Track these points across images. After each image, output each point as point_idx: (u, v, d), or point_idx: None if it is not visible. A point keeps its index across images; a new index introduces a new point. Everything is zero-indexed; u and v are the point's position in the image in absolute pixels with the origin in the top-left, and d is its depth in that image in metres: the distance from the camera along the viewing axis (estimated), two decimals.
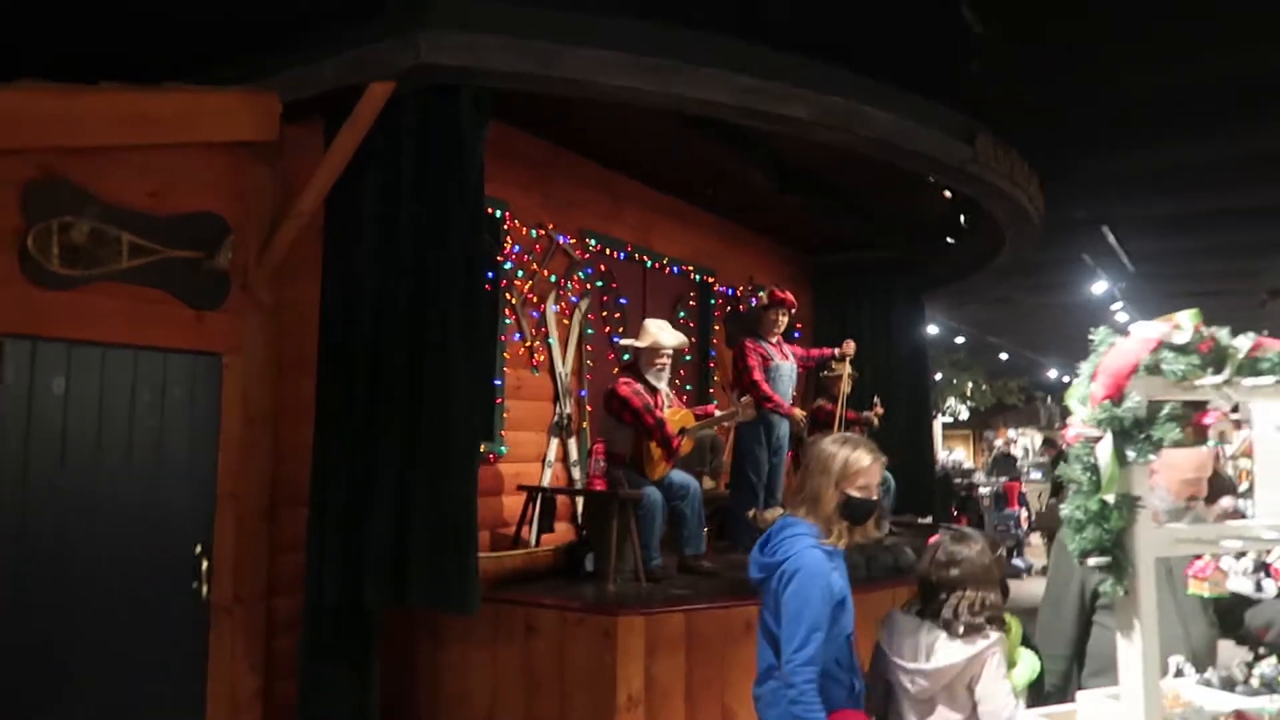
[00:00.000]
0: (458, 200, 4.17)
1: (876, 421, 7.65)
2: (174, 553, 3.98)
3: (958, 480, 15.40)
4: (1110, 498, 1.84)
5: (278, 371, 4.43)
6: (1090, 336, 1.97)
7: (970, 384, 21.17)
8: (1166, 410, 1.84)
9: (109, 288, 3.74)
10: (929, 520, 9.40)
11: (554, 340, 6.22)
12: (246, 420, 4.25)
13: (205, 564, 4.06)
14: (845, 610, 2.78)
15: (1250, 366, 1.99)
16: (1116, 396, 1.87)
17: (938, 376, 21.09)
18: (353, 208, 4.30)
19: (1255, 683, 2.08)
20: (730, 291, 8.11)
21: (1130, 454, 1.84)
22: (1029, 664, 2.76)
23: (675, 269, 7.49)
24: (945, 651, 2.67)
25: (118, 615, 3.76)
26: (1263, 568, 2.08)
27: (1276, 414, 2.31)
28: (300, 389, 4.41)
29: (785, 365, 6.94)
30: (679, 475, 5.49)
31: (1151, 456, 1.84)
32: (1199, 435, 1.87)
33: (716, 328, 7.99)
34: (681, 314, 7.65)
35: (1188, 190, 7.74)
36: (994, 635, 2.69)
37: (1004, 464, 14.84)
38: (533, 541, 5.56)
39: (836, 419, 6.91)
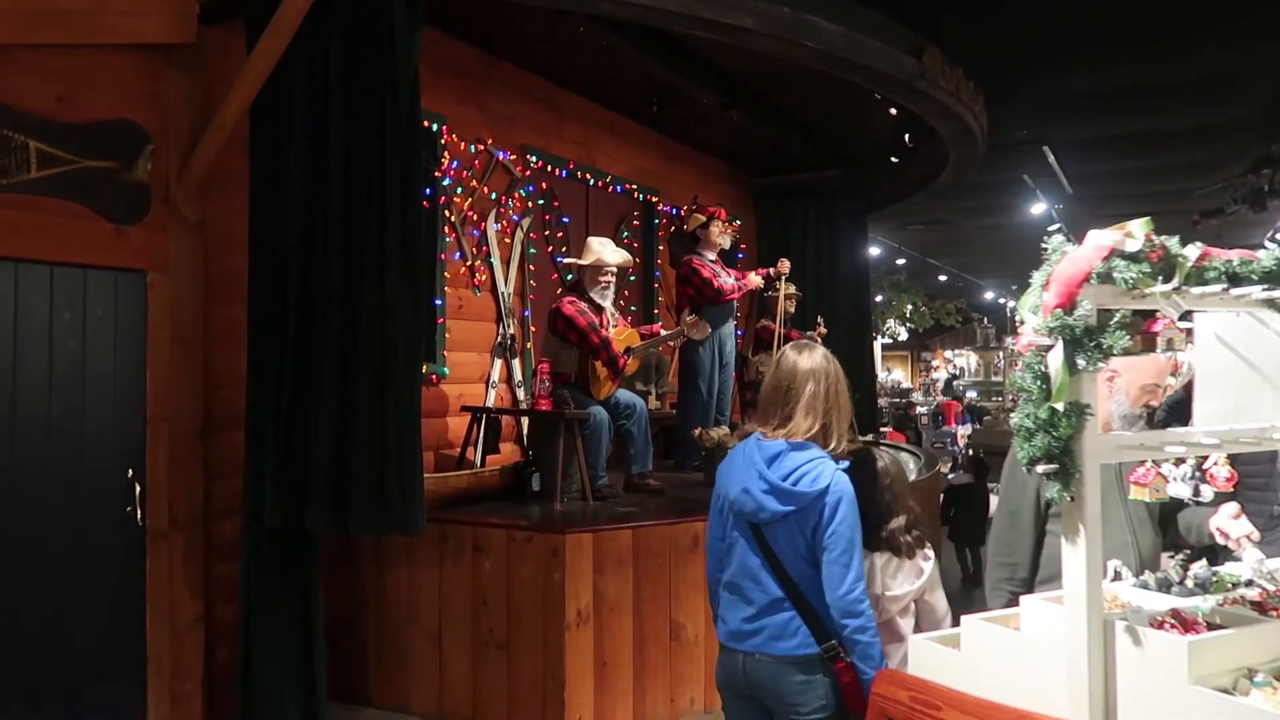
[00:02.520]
0: (391, 109, 3.96)
1: (819, 341, 7.71)
2: (105, 477, 3.84)
3: (896, 400, 15.77)
4: (1060, 405, 1.85)
5: (208, 291, 4.25)
6: (1043, 244, 1.95)
7: (910, 305, 21.50)
8: (1117, 318, 1.84)
9: (17, 199, 3.50)
10: (869, 438, 9.61)
11: (496, 259, 6.09)
12: (176, 341, 4.08)
13: (138, 489, 3.93)
14: None
15: (1198, 275, 1.99)
16: (1068, 305, 1.86)
17: (878, 298, 21.37)
18: (279, 117, 4.07)
19: (1190, 583, 2.14)
20: (674, 211, 8.00)
21: (1080, 362, 1.84)
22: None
23: (619, 188, 7.35)
24: (904, 576, 2.69)
25: (47, 541, 3.63)
26: (1200, 474, 2.12)
27: (1217, 322, 2.34)
28: (233, 311, 4.24)
29: (729, 280, 6.94)
30: (625, 394, 5.48)
31: (1101, 364, 1.84)
32: (1148, 343, 1.88)
33: (661, 248, 7.91)
34: (625, 234, 7.55)
35: (1127, 112, 7.81)
36: (931, 554, 2.74)
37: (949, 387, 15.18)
38: (478, 462, 5.52)
39: (777, 338, 6.94)
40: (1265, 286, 2.01)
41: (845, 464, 2.52)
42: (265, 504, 4.03)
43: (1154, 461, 2.06)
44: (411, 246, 4.02)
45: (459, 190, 5.77)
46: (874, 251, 14.60)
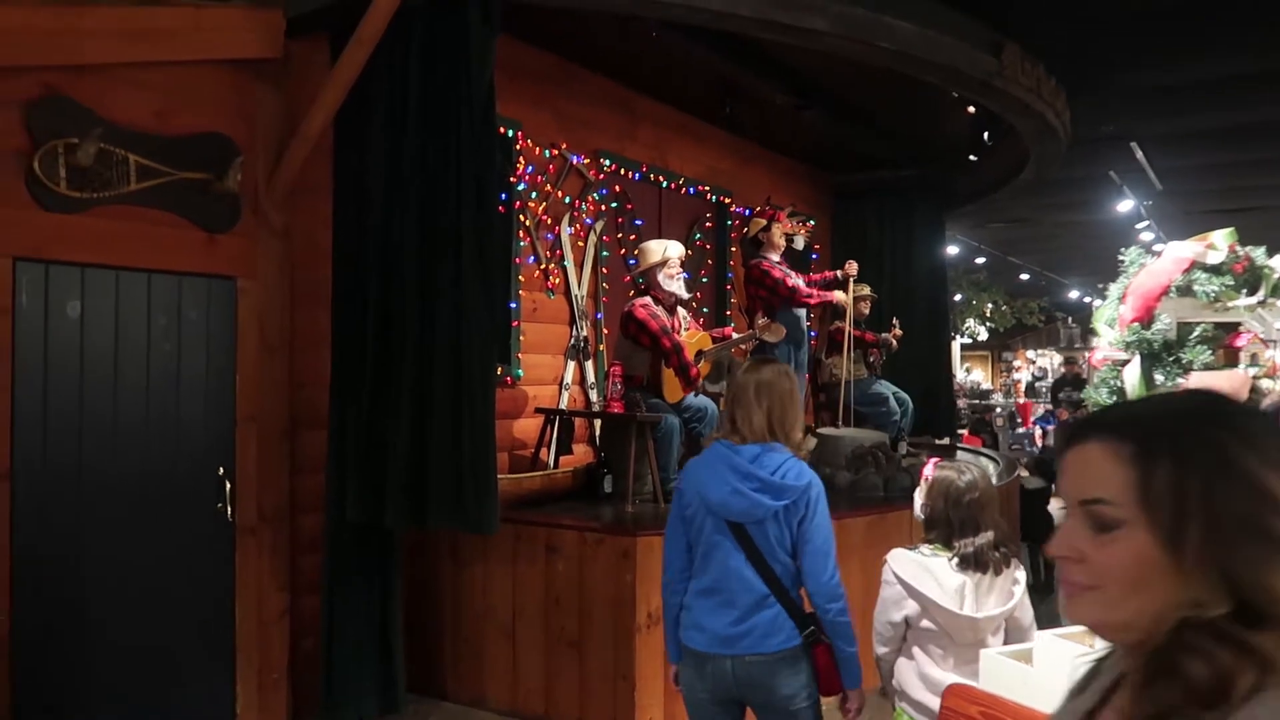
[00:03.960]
0: (468, 117, 4.07)
1: (895, 344, 7.61)
2: (197, 475, 4.03)
3: (975, 401, 15.41)
4: None
5: (293, 296, 4.41)
6: (1120, 256, 1.91)
7: (990, 304, 20.98)
8: (1197, 332, 1.79)
9: (118, 210, 3.70)
10: (946, 442, 9.43)
11: (569, 263, 6.17)
12: (263, 344, 4.25)
13: (228, 486, 4.11)
14: None
15: None
16: (1146, 319, 1.82)
17: (957, 297, 20.90)
18: (361, 128, 4.22)
19: None
20: (748, 212, 7.97)
21: (1159, 377, 1.80)
22: None
23: (691, 190, 7.36)
24: (996, 596, 2.66)
25: (144, 536, 3.83)
26: None
27: None
28: (316, 315, 4.40)
29: (801, 281, 6.91)
30: (696, 397, 5.49)
31: (1180, 380, 1.79)
32: (1230, 358, 1.82)
33: (734, 249, 7.90)
34: (698, 236, 7.56)
35: (1217, 104, 7.49)
36: (1021, 571, 2.70)
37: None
38: (551, 464, 5.60)
39: (847, 339, 6.86)
40: None
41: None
42: (347, 500, 4.17)
43: None
44: (486, 251, 4.12)
45: (533, 195, 5.86)
46: (952, 250, 14.29)
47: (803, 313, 6.66)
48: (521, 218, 5.76)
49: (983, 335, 23.31)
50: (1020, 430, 12.68)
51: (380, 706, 4.35)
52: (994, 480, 6.96)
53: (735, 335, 5.90)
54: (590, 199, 6.34)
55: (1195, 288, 1.81)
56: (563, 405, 6.04)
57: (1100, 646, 1.03)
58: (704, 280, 7.65)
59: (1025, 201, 9.84)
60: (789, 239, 6.87)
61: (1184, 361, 1.77)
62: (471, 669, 4.67)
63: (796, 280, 6.45)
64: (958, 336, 23.61)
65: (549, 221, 6.00)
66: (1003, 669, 2.23)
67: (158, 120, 3.87)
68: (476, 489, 4.04)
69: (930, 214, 9.02)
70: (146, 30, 3.74)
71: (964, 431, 12.86)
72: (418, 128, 4.13)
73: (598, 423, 5.95)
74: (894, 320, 7.72)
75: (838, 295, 6.75)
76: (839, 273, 7.02)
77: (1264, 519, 0.89)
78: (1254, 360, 1.78)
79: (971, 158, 7.81)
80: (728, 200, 7.79)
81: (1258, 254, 1.87)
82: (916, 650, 2.76)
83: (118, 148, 3.70)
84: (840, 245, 8.94)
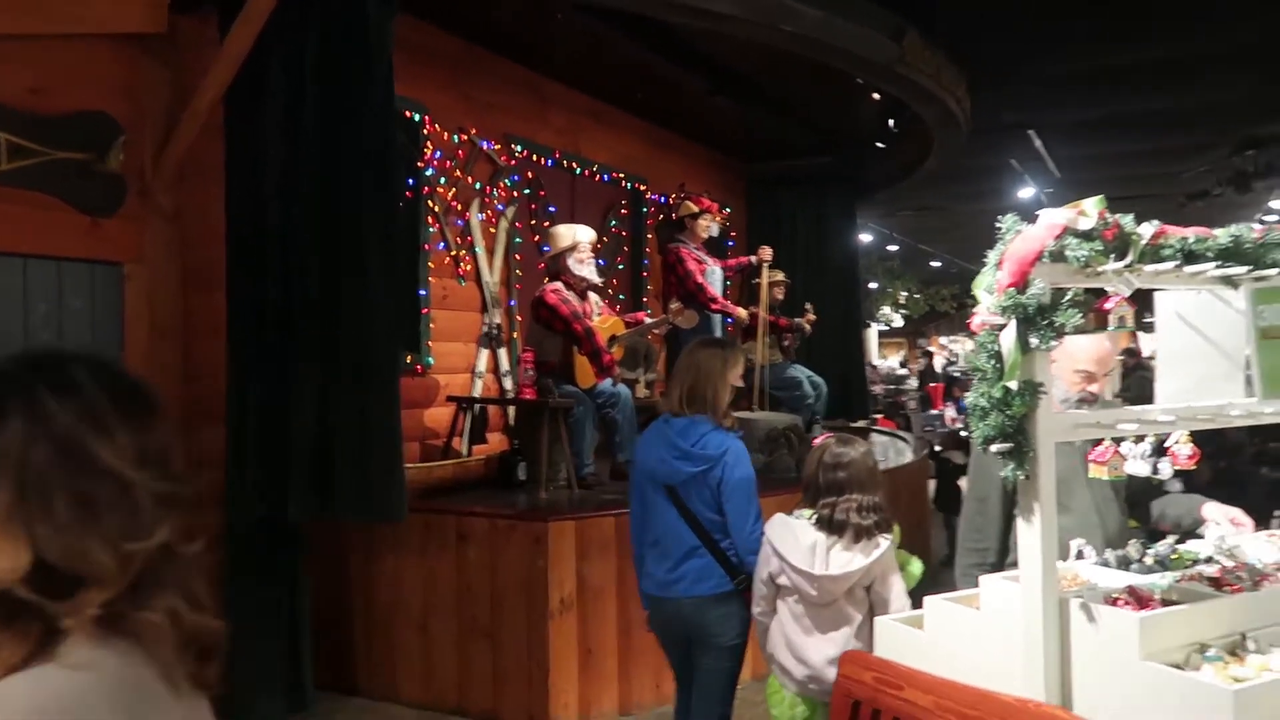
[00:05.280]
0: (365, 97, 3.97)
1: (809, 328, 7.71)
2: None
3: (890, 386, 15.77)
4: (1013, 384, 1.85)
5: (187, 281, 4.25)
6: (997, 224, 1.95)
7: (904, 292, 21.50)
8: (1069, 296, 1.84)
9: None
10: (860, 424, 9.62)
11: (480, 249, 6.08)
12: (154, 332, 4.08)
13: None
14: None
15: (1153, 253, 2.00)
16: (1021, 284, 1.86)
17: (872, 285, 21.36)
18: (253, 106, 4.07)
19: (1149, 560, 2.15)
20: (663, 200, 7.98)
21: (1033, 340, 1.84)
22: (916, 567, 2.93)
23: (605, 176, 7.33)
24: (846, 558, 2.74)
25: None
26: (1161, 452, 2.13)
27: (1178, 301, 2.35)
28: (211, 301, 4.23)
29: (717, 270, 6.96)
30: (611, 384, 5.47)
31: (1054, 342, 1.84)
32: (1100, 321, 1.88)
33: (650, 236, 7.90)
34: (613, 223, 7.53)
35: (1112, 95, 7.79)
36: (886, 540, 2.78)
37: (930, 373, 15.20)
38: (464, 452, 5.52)
39: (761, 325, 6.93)
40: (1220, 264, 2.02)
41: (738, 433, 3.15)
42: (247, 494, 4.04)
43: (1114, 440, 2.06)
44: (387, 236, 4.03)
45: (442, 180, 5.75)
46: (866, 238, 14.59)
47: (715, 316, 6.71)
48: (429, 203, 5.65)
49: (898, 322, 23.87)
50: (932, 412, 13.02)
51: (289, 705, 4.22)
52: (906, 458, 7.16)
53: (648, 320, 5.90)
54: (501, 184, 6.26)
55: (1067, 253, 1.85)
56: (476, 393, 5.96)
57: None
58: (620, 267, 7.63)
59: (933, 190, 10.10)
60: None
61: (1057, 325, 1.81)
62: (383, 663, 4.58)
63: (704, 281, 6.48)
64: (873, 324, 24.13)
65: (458, 207, 5.90)
66: (895, 634, 2.28)
67: (33, 97, 3.68)
68: (382, 478, 3.95)
69: (842, 202, 9.17)
70: (19, 1, 3.55)
71: (879, 415, 13.19)
72: (313, 109, 4.00)
73: (512, 410, 5.89)
74: (807, 305, 7.82)
75: (740, 312, 6.80)
76: (752, 258, 7.09)
77: (75, 477, 0.86)
78: (1122, 321, 1.85)
79: (879, 145, 7.97)
80: (642, 187, 7.78)
81: (1126, 220, 1.92)
82: (782, 611, 2.84)
83: None
84: (754, 232, 9.02)
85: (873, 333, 25.14)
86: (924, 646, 2.19)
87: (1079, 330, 1.85)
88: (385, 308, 3.96)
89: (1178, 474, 2.35)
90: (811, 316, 7.77)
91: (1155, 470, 2.13)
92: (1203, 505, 2.66)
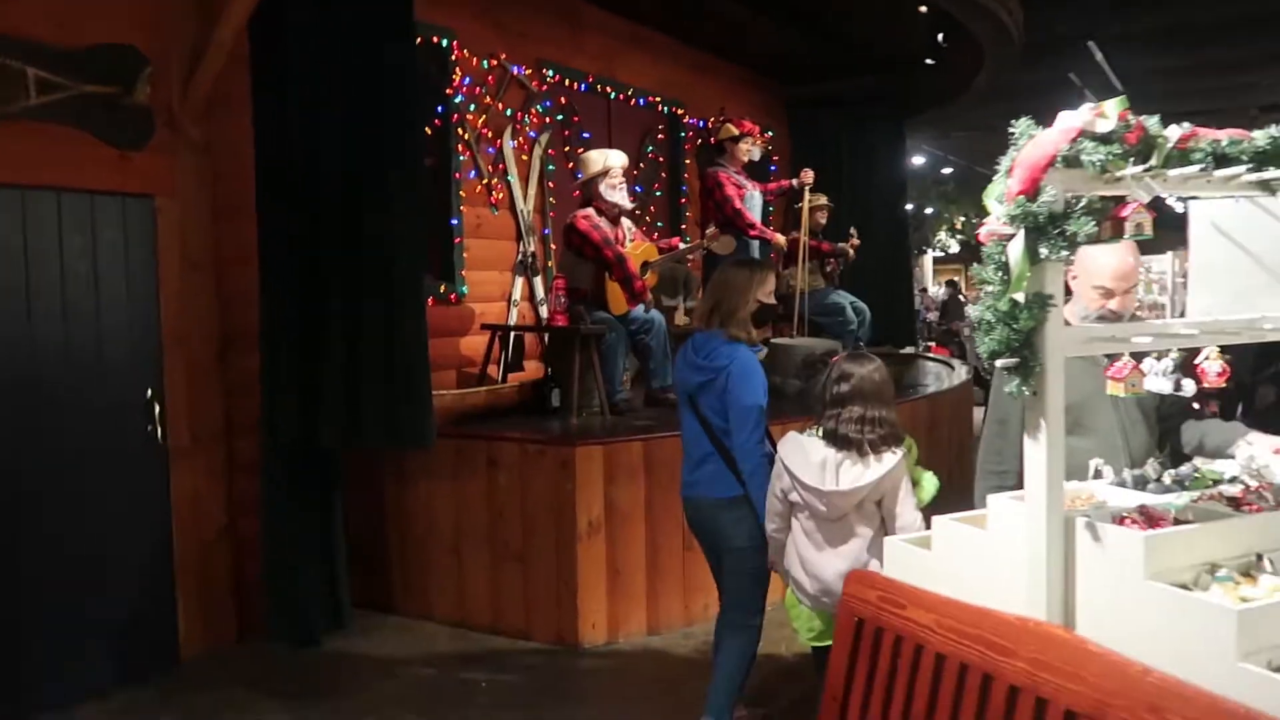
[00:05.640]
0: (389, 22, 3.92)
1: (852, 253, 7.54)
2: (125, 399, 3.95)
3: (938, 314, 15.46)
4: (1020, 296, 1.77)
5: (218, 212, 4.29)
6: (1010, 128, 1.85)
7: (960, 217, 20.91)
8: (1083, 203, 1.74)
9: (18, 127, 3.53)
10: (910, 350, 9.47)
11: (513, 177, 6.03)
12: (186, 263, 4.14)
13: (157, 408, 4.05)
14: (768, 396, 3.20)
15: (1181, 158, 1.88)
16: (1032, 191, 1.77)
17: (927, 211, 20.81)
18: (277, 36, 4.05)
19: (1167, 480, 2.08)
20: (701, 124, 7.81)
21: (1043, 251, 1.75)
22: (930, 484, 2.88)
23: (641, 101, 7.18)
24: (855, 473, 2.74)
25: (74, 461, 3.76)
26: (1184, 368, 2.03)
27: (1214, 212, 2.22)
28: (242, 231, 4.27)
29: (756, 195, 6.83)
30: (644, 311, 5.44)
31: (1065, 252, 1.75)
32: (1116, 229, 1.78)
33: (688, 162, 7.75)
34: (650, 148, 7.41)
35: (1176, 2, 7.34)
36: (898, 454, 2.76)
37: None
38: (500, 380, 5.56)
39: (802, 249, 6.79)
40: (1253, 167, 1.89)
41: (758, 349, 3.29)
42: (281, 421, 4.13)
43: (1134, 356, 1.97)
44: (412, 164, 4.01)
45: (472, 107, 5.69)
46: (918, 161, 14.16)
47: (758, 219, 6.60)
48: (460, 130, 5.60)
49: (954, 248, 23.29)
50: None
51: (328, 624, 4.38)
52: (950, 384, 7.03)
53: (682, 246, 5.82)
54: (534, 111, 6.17)
55: (1083, 158, 1.74)
56: (512, 321, 5.98)
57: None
58: (657, 194, 7.53)
59: (986, 109, 9.69)
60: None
61: (1069, 234, 1.72)
62: (419, 584, 4.70)
63: (742, 206, 6.35)
64: (929, 250, 23.58)
65: (489, 135, 5.84)
66: (903, 554, 2.25)
67: (59, 31, 3.69)
68: (411, 404, 4.00)
69: (888, 123, 8.90)
70: None
71: (932, 344, 12.94)
72: (336, 35, 3.98)
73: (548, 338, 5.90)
74: (851, 230, 7.64)
75: (779, 238, 6.69)
76: (794, 181, 6.92)
77: None
78: (1139, 229, 1.74)
79: (928, 62, 7.66)
80: (680, 112, 7.62)
81: (1151, 122, 1.81)
82: (795, 527, 2.89)
83: (14, 61, 3.52)
84: (797, 156, 8.80)
85: (928, 259, 24.59)
86: (931, 566, 2.16)
87: (1092, 240, 1.76)
88: (408, 233, 3.96)
89: (1213, 397, 2.24)
90: (856, 241, 7.58)
91: (1177, 387, 2.04)
92: (1246, 434, 2.55)
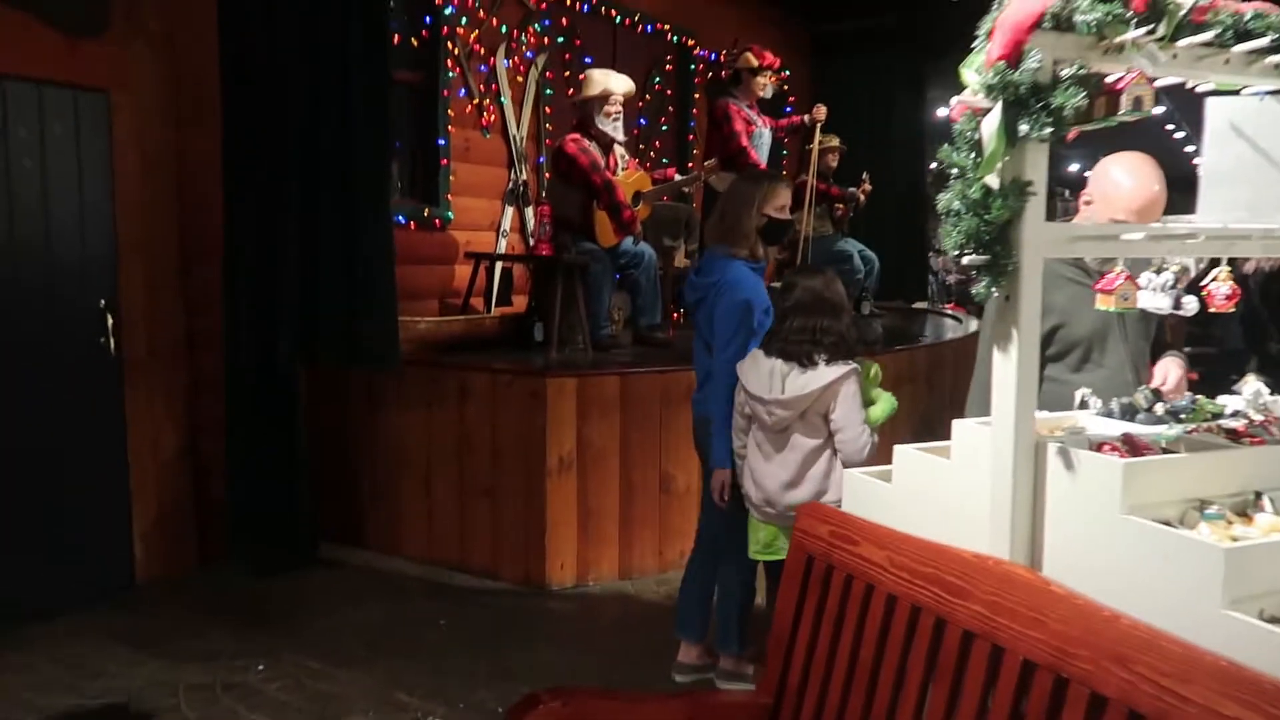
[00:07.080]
0: None
1: (863, 199, 7.21)
2: (75, 305, 3.76)
3: (965, 276, 15.04)
4: (994, 181, 1.52)
5: (183, 115, 4.06)
6: None
7: None
8: (1071, 70, 1.47)
9: None
10: (922, 306, 9.16)
11: (506, 99, 5.75)
12: (145, 167, 3.93)
13: (110, 319, 3.86)
14: (769, 316, 3.00)
15: (1193, 29, 1.60)
16: (1013, 57, 1.50)
17: None
18: None
19: (1160, 411, 1.83)
20: (713, 56, 7.45)
21: (1023, 127, 1.49)
22: (886, 403, 2.84)
23: (649, 28, 6.85)
24: (797, 382, 2.73)
25: (18, 370, 3.58)
26: (1179, 282, 1.77)
27: (1233, 110, 1.94)
28: (210, 137, 4.03)
29: (766, 131, 6.49)
30: (634, 243, 5.18)
31: (1049, 130, 1.49)
32: (1110, 106, 1.51)
33: (697, 95, 7.42)
34: (657, 80, 7.08)
35: None
36: (844, 367, 2.71)
37: None
38: (487, 311, 5.35)
39: (809, 192, 6.46)
40: (1278, 47, 1.61)
41: (761, 264, 3.11)
42: (240, 337, 3.94)
43: (1125, 265, 1.72)
44: (375, 73, 3.76)
45: (464, 20, 5.40)
46: (944, 111, 13.65)
47: (764, 157, 6.26)
48: (449, 45, 5.32)
49: None
50: None
51: (292, 553, 4.22)
52: (958, 334, 6.77)
53: (679, 177, 5.53)
54: (531, 30, 5.87)
55: (1076, 17, 1.47)
56: (501, 252, 5.74)
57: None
58: (664, 129, 7.22)
59: None
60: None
61: (1054, 107, 1.45)
62: (388, 518, 4.52)
63: (749, 144, 6.00)
64: None
65: (482, 52, 5.56)
66: (861, 487, 2.02)
67: None
68: (373, 321, 3.81)
69: (909, 65, 8.51)
70: None
71: (951, 301, 12.57)
72: None
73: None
74: (864, 175, 7.30)
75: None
76: (805, 117, 6.58)
77: None
78: (1138, 104, 1.46)
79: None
80: (691, 42, 7.27)
81: None
82: (749, 441, 2.89)
83: None
84: (814, 97, 8.41)
85: None
86: (892, 500, 1.93)
87: (1080, 115, 1.49)
88: (372, 145, 3.73)
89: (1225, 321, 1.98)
90: (868, 187, 7.24)
91: (1178, 306, 1.79)
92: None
